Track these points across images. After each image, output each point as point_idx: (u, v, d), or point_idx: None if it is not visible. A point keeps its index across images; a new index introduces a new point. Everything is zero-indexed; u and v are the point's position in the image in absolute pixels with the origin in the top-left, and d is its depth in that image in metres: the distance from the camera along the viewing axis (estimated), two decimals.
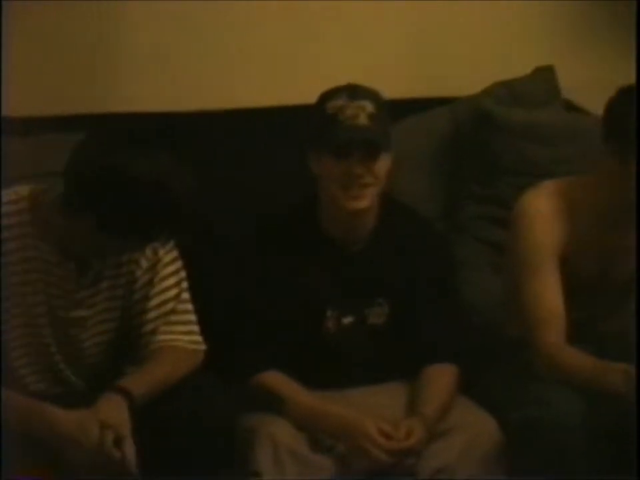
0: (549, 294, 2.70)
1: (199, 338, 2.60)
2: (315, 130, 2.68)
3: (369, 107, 2.62)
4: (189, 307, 2.61)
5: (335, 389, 2.70)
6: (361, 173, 2.60)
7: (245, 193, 3.15)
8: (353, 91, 2.67)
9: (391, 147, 2.67)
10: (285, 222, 2.82)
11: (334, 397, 2.67)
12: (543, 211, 2.75)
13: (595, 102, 3.08)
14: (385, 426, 2.56)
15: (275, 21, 3.42)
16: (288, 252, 2.77)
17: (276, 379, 2.68)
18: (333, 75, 3.09)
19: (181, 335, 2.59)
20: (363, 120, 2.62)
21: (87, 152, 2.41)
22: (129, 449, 2.36)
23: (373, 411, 2.63)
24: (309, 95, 2.98)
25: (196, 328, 2.61)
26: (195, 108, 3.31)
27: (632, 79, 2.87)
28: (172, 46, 3.40)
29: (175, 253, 2.60)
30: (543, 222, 2.73)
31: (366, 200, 2.64)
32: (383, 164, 2.62)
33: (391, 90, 2.92)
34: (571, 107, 3.44)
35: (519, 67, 3.42)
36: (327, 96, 2.69)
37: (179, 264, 2.60)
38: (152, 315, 2.56)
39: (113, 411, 2.39)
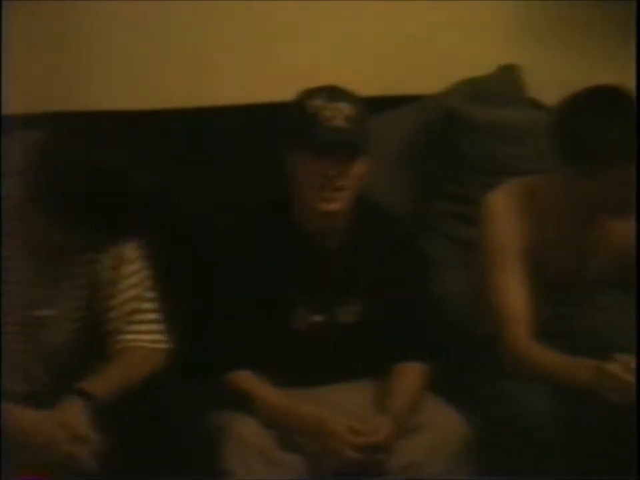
0: (514, 291, 2.75)
1: (161, 337, 2.63)
2: (294, 127, 2.71)
3: (346, 109, 2.65)
4: (152, 306, 2.64)
5: (305, 387, 2.73)
6: (336, 175, 2.61)
7: (219, 190, 3.16)
8: (332, 93, 2.69)
9: (368, 151, 2.69)
10: (260, 219, 2.84)
11: (304, 395, 2.70)
12: (507, 210, 2.80)
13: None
14: (355, 424, 2.58)
15: (249, 20, 3.42)
16: (263, 250, 2.80)
17: (246, 379, 2.70)
18: (306, 73, 3.13)
19: (143, 335, 2.63)
20: (339, 122, 2.63)
21: (47, 150, 2.43)
22: (85, 448, 2.38)
23: (342, 409, 2.65)
24: (282, 93, 2.99)
25: (159, 327, 2.64)
26: (169, 106, 3.30)
27: (597, 77, 2.80)
28: (147, 45, 3.37)
29: (138, 253, 2.62)
30: (507, 221, 2.78)
31: (339, 203, 2.66)
32: (359, 168, 2.63)
33: (360, 88, 2.94)
34: (537, 104, 3.48)
35: (485, 65, 3.47)
36: (306, 94, 2.71)
37: (142, 263, 2.64)
38: (114, 314, 2.59)
39: (72, 411, 2.41)
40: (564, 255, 2.82)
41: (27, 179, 2.40)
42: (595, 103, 2.70)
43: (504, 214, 2.81)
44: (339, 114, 2.66)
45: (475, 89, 3.41)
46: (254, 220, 2.86)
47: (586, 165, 2.66)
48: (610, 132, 2.61)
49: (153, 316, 2.65)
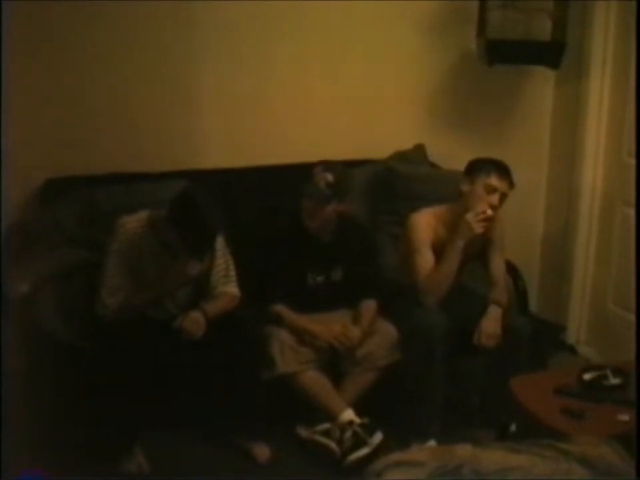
0: (425, 262, 3.08)
1: (237, 289, 3.06)
2: (314, 190, 3.04)
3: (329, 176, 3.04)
4: (233, 273, 3.05)
5: (313, 314, 3.13)
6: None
7: (264, 213, 3.32)
8: (324, 167, 3.05)
9: (341, 196, 3.05)
10: (287, 226, 3.18)
11: (313, 317, 3.12)
12: (421, 223, 3.11)
13: (447, 163, 3.67)
14: (340, 330, 3.03)
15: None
16: (289, 242, 3.15)
17: (281, 309, 3.12)
18: (298, 148, 3.51)
19: (229, 287, 3.06)
20: (324, 186, 3.02)
21: (175, 197, 2.80)
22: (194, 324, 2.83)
23: (335, 323, 3.10)
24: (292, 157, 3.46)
25: (235, 284, 3.05)
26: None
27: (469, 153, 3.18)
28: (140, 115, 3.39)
29: (222, 244, 3.00)
30: (422, 228, 3.10)
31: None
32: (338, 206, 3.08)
33: (341, 154, 3.41)
34: (433, 165, 3.73)
35: (407, 143, 3.71)
36: (320, 170, 3.06)
37: (225, 251, 3.03)
38: (214, 277, 3.02)
39: (196, 316, 2.86)
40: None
41: (170, 212, 2.78)
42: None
43: (420, 225, 3.11)
44: (324, 179, 3.02)
45: (403, 156, 3.68)
46: (284, 226, 3.18)
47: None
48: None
49: (233, 278, 3.06)
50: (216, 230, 2.84)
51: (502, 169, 3.06)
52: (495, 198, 3.03)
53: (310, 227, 3.13)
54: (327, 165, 3.09)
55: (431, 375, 2.97)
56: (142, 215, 2.91)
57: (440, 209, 3.17)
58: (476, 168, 3.08)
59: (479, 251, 3.21)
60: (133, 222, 2.89)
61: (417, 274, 3.08)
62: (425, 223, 3.10)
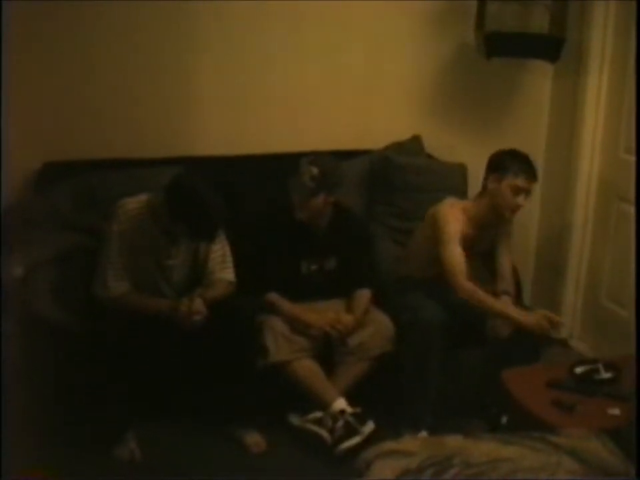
0: (457, 257, 2.99)
1: (233, 276, 3.06)
2: (299, 183, 3.04)
3: (314, 171, 3.01)
4: (229, 259, 3.06)
5: (307, 302, 3.14)
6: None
7: (258, 205, 3.28)
8: (312, 161, 3.03)
9: (329, 189, 3.03)
10: (280, 216, 3.16)
11: (307, 306, 3.13)
12: (452, 217, 3.05)
13: (444, 155, 3.71)
14: (333, 317, 3.03)
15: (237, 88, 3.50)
16: (283, 232, 3.14)
17: (275, 297, 3.12)
18: (295, 137, 3.50)
19: (226, 274, 3.06)
20: (308, 180, 3.01)
21: (173, 183, 2.81)
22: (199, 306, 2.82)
23: (328, 311, 3.11)
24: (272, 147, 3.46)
25: (232, 270, 3.06)
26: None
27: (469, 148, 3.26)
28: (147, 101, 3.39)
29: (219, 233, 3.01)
30: (452, 222, 3.03)
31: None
32: (324, 198, 3.05)
33: (339, 144, 3.51)
34: (429, 156, 3.74)
35: (404, 134, 3.70)
36: (305, 162, 3.04)
37: (222, 237, 3.04)
38: (211, 263, 3.02)
39: (198, 302, 2.85)
40: (473, 240, 3.10)
41: (169, 200, 2.77)
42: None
43: (450, 219, 3.04)
44: (309, 173, 3.01)
45: (400, 147, 3.67)
46: (278, 215, 3.18)
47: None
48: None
49: (230, 264, 3.06)
50: (219, 212, 2.81)
51: (529, 168, 3.03)
52: (521, 199, 3.03)
53: (302, 218, 3.13)
54: (314, 157, 3.07)
55: (427, 367, 2.96)
56: (141, 198, 2.90)
57: (466, 203, 3.15)
58: (503, 166, 3.04)
59: (488, 246, 3.21)
60: (134, 203, 2.88)
61: (447, 267, 2.99)
62: (454, 217, 3.06)
